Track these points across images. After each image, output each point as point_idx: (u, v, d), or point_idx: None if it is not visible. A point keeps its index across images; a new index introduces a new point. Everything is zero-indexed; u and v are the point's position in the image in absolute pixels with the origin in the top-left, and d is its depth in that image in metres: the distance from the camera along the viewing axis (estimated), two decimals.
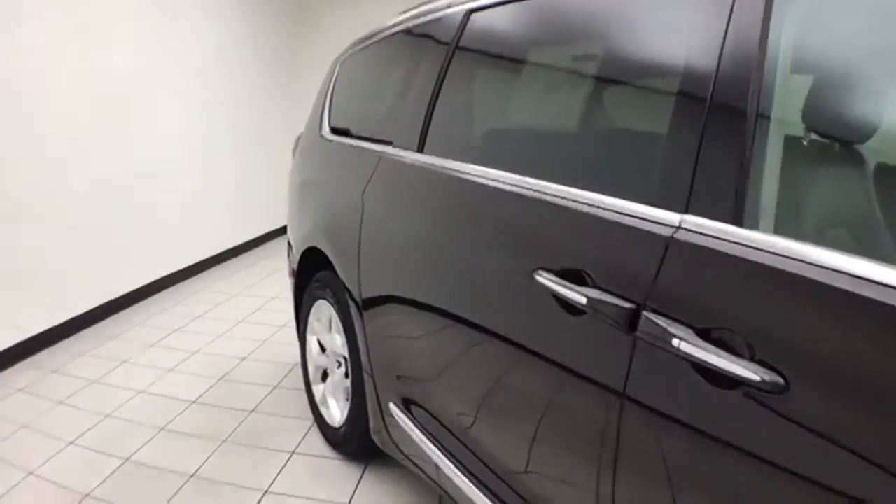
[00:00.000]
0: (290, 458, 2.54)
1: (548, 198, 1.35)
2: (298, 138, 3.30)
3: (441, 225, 1.72)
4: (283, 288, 4.93)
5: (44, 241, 3.66)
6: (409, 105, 2.04)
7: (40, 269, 3.64)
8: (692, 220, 1.01)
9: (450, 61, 1.89)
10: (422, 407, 1.88)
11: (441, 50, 1.94)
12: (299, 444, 2.65)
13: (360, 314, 2.16)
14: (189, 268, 5.20)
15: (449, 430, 1.75)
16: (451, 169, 1.73)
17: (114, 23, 4.13)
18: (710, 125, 1.02)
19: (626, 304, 1.07)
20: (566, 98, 1.68)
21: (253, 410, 2.94)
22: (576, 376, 1.22)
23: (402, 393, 1.98)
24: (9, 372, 3.39)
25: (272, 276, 5.29)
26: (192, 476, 2.40)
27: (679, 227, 1.02)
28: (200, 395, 3.09)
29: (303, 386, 3.06)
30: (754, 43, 0.98)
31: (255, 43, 6.10)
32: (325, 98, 2.99)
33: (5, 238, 3.38)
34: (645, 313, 1.03)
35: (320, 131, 2.87)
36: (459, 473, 1.67)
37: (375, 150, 2.19)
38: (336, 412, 2.58)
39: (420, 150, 1.92)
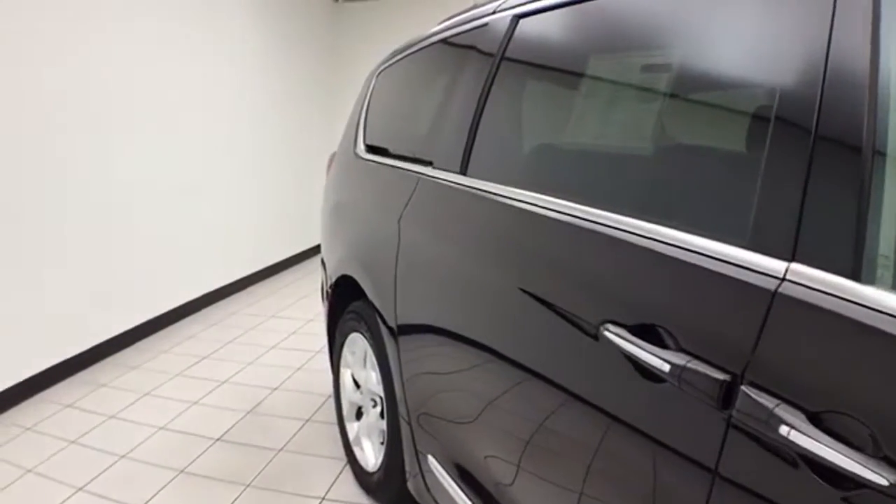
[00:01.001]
0: None
1: (616, 234, 1.13)
2: (333, 156, 3.10)
3: (488, 260, 1.49)
4: (320, 310, 4.66)
5: (63, 263, 3.43)
6: (451, 122, 1.82)
7: (58, 296, 3.40)
8: (801, 271, 0.81)
9: (496, 73, 1.67)
10: (465, 466, 1.63)
11: (486, 60, 1.72)
12: (330, 488, 2.35)
13: (398, 354, 1.93)
14: (222, 288, 4.97)
15: (495, 498, 1.49)
16: (498, 194, 1.51)
17: (152, 41, 3.96)
18: (819, 154, 0.83)
19: (720, 375, 0.86)
20: (636, 117, 1.42)
21: (282, 449, 2.65)
22: (661, 448, 0.98)
23: (443, 445, 1.73)
24: (16, 409, 3.14)
25: (308, 298, 5.03)
26: None
27: (784, 279, 0.82)
28: (226, 432, 2.81)
29: (335, 419, 2.77)
30: (863, 59, 0.82)
31: (294, 56, 5.90)
32: (361, 113, 2.80)
33: (26, 263, 3.14)
34: (743, 388, 0.83)
35: (355, 149, 2.67)
36: None
37: (414, 171, 1.98)
38: (371, 455, 2.30)
39: (463, 171, 1.70)
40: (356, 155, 2.62)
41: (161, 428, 2.85)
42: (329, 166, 3.12)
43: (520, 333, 1.34)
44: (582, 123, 1.58)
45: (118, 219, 3.82)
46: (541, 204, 1.35)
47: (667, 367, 0.93)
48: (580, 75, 1.52)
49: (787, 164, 0.87)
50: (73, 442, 2.75)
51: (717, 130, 1.16)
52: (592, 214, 1.19)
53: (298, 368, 3.56)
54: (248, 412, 3.01)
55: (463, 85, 1.81)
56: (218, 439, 2.74)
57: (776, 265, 0.83)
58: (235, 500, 2.27)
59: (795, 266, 0.81)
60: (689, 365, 0.90)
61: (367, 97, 2.79)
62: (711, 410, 0.87)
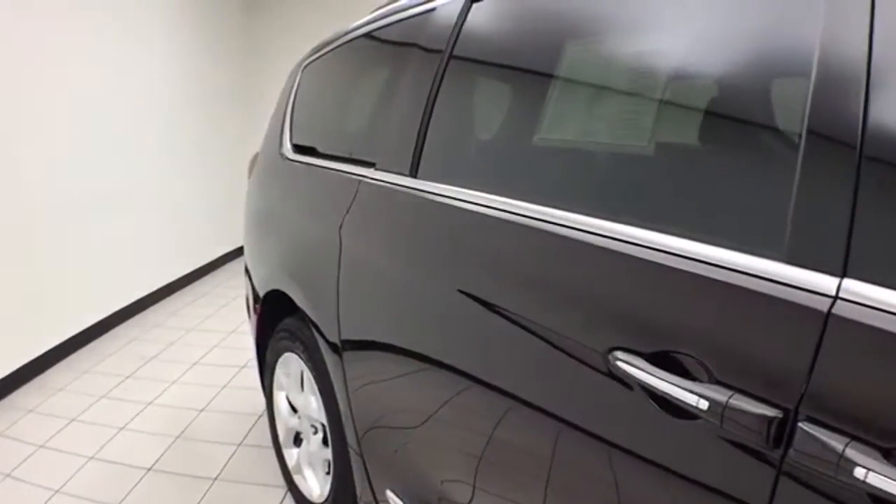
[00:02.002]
0: None
1: (618, 246, 1.01)
2: (255, 157, 3.01)
3: (452, 273, 1.35)
4: (242, 319, 4.69)
5: None
6: (396, 120, 1.70)
7: None
8: (856, 289, 0.72)
9: (447, 63, 1.55)
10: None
11: (435, 50, 1.60)
12: None
13: (344, 378, 1.83)
14: (143, 299, 4.92)
15: None
16: (461, 199, 1.37)
17: (56, 38, 3.83)
18: (871, 148, 0.74)
19: (771, 412, 0.76)
20: (628, 108, 1.27)
21: (217, 478, 2.71)
22: (698, 493, 0.88)
23: (406, 479, 1.63)
24: None
25: (229, 307, 5.03)
26: None
27: (837, 297, 0.73)
28: (157, 460, 2.85)
29: (270, 442, 2.84)
30: None
31: (209, 52, 5.80)
32: (286, 111, 2.68)
33: None
34: (801, 425, 0.73)
35: (280, 149, 2.55)
36: None
37: (354, 174, 1.84)
38: (314, 485, 2.31)
39: (413, 174, 1.57)
40: (282, 156, 2.50)
41: (91, 458, 2.87)
42: (251, 168, 3.03)
43: (493, 356, 1.23)
44: (564, 117, 1.40)
45: (17, 233, 3.72)
46: (525, 213, 1.20)
47: (704, 405, 0.81)
48: (554, 65, 1.35)
49: (830, 162, 0.78)
50: (7, 475, 2.74)
51: (736, 124, 1.02)
52: (588, 224, 1.07)
53: (224, 386, 3.60)
54: (178, 437, 3.05)
55: (409, 78, 1.68)
56: (150, 469, 2.78)
57: (826, 282, 0.74)
58: None
59: (850, 283, 0.72)
60: (731, 401, 0.79)
61: (293, 93, 2.67)
62: (759, 452, 0.77)
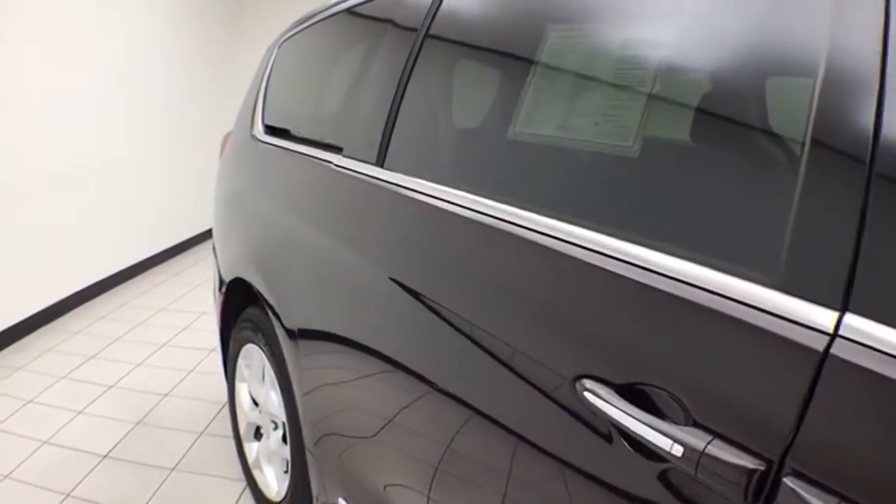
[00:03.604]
0: None
1: (589, 256, 0.90)
2: (227, 136, 2.90)
3: (414, 273, 1.28)
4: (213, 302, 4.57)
5: None
6: (365, 103, 1.61)
7: None
8: (859, 326, 0.62)
9: (422, 44, 1.45)
10: None
11: (410, 28, 1.50)
12: None
13: (301, 378, 1.75)
14: (110, 277, 4.79)
15: None
16: (426, 194, 1.27)
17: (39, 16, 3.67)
18: (883, 162, 0.63)
19: (752, 463, 0.67)
20: (612, 105, 1.14)
21: (175, 468, 2.61)
22: None
23: (356, 487, 1.55)
24: None
25: (202, 287, 4.92)
26: None
27: (837, 335, 0.63)
28: (114, 447, 2.75)
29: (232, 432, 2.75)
30: None
31: (189, 22, 5.64)
32: (259, 90, 2.57)
33: None
34: (786, 480, 0.64)
35: (252, 130, 2.45)
36: None
37: (321, 159, 1.75)
38: (273, 483, 2.23)
39: (380, 163, 1.47)
40: (253, 137, 2.40)
41: (45, 442, 2.76)
42: (223, 147, 2.92)
43: (447, 365, 1.16)
44: (544, 112, 1.28)
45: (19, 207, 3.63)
46: (492, 213, 1.10)
47: (679, 451, 0.72)
48: (532, 54, 1.26)
49: (837, 176, 0.68)
50: None
51: (730, 129, 0.91)
52: (557, 230, 0.97)
53: (191, 371, 3.50)
54: (138, 423, 2.95)
55: (380, 59, 1.60)
56: (105, 456, 2.68)
57: (824, 317, 0.64)
58: None
59: (852, 319, 0.62)
60: (708, 449, 0.70)
61: (267, 71, 2.57)
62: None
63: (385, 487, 1.41)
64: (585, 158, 1.11)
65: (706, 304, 0.74)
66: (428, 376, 1.21)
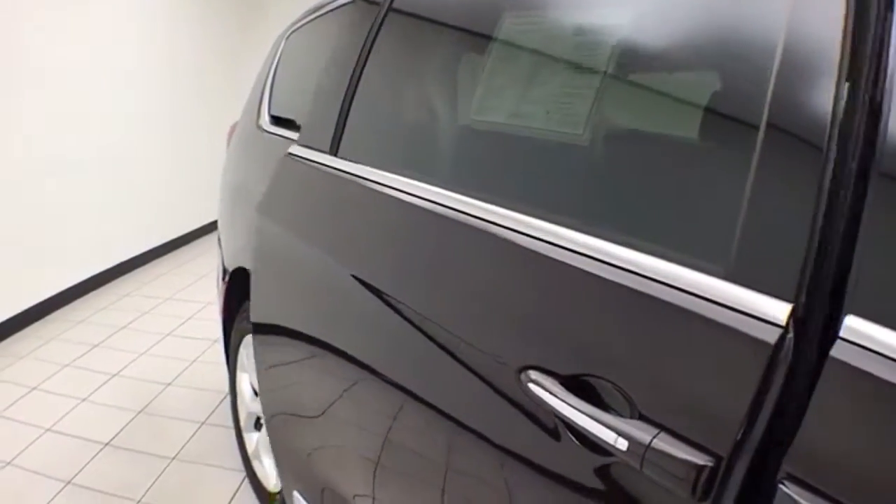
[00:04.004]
0: None
1: (535, 245, 0.88)
2: (234, 126, 2.89)
3: (361, 263, 1.26)
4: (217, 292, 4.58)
5: None
6: (324, 91, 1.59)
7: None
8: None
9: (380, 27, 1.43)
10: None
11: (369, 13, 1.48)
12: None
13: (261, 375, 1.76)
14: (118, 266, 4.81)
15: None
16: (382, 184, 1.25)
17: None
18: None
19: (699, 459, 0.65)
20: (565, 93, 1.11)
21: (175, 457, 2.62)
22: None
23: (309, 481, 1.55)
24: None
25: (207, 277, 4.92)
26: None
27: (789, 327, 0.62)
28: (115, 435, 2.75)
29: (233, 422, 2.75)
30: None
31: (195, 14, 5.63)
32: (267, 80, 2.58)
33: None
34: (784, 487, 0.60)
35: (258, 120, 2.43)
36: None
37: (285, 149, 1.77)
38: (271, 473, 2.22)
39: (334, 152, 1.46)
40: (259, 127, 2.38)
41: (48, 430, 2.77)
42: (230, 138, 2.91)
43: (395, 356, 1.15)
44: (497, 100, 1.27)
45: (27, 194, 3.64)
46: (441, 201, 1.08)
47: (623, 444, 0.70)
48: (486, 40, 1.24)
49: (793, 164, 0.66)
50: None
51: (678, 118, 0.91)
52: (504, 218, 0.95)
53: (194, 360, 3.50)
54: (140, 412, 2.96)
55: (343, 45, 1.58)
56: (107, 444, 2.68)
57: (776, 308, 0.63)
58: None
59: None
60: (654, 443, 0.68)
61: (275, 62, 2.59)
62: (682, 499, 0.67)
63: (334, 480, 1.40)
64: (535, 147, 1.09)
65: (654, 294, 0.72)
66: (375, 367, 1.20)
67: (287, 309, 1.56)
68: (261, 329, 1.71)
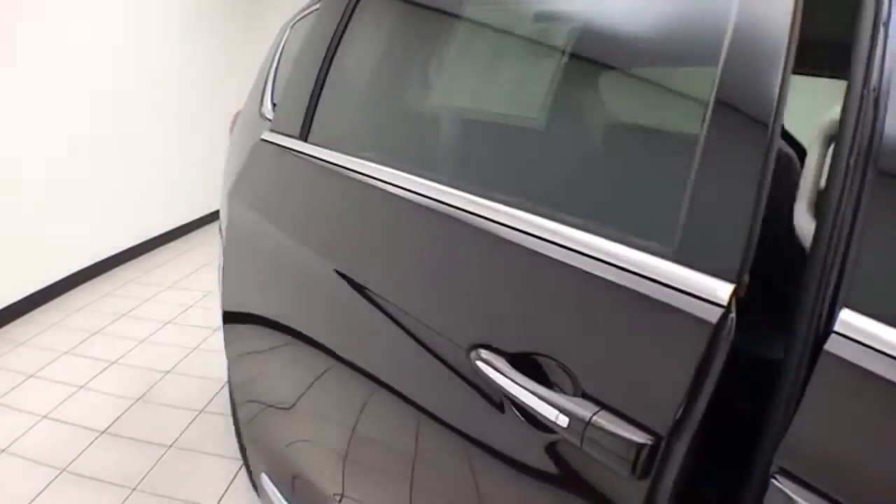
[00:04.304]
0: None
1: (487, 225, 0.89)
2: (237, 115, 2.88)
3: (329, 249, 1.26)
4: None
5: None
6: (296, 77, 1.58)
7: None
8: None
9: (351, 15, 1.43)
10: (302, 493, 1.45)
11: (341, 2, 1.47)
12: (223, 495, 2.30)
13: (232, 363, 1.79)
14: (119, 254, 4.76)
15: None
16: (346, 168, 1.26)
17: None
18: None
19: (638, 437, 0.65)
20: (532, 80, 1.17)
21: (172, 445, 2.58)
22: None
23: (279, 465, 1.56)
24: None
25: (209, 266, 4.88)
26: None
27: (730, 307, 0.63)
28: (113, 423, 2.72)
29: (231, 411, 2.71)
30: None
31: (206, 3, 5.57)
32: (270, 69, 2.57)
33: None
34: (776, 482, 0.59)
35: (261, 109, 2.43)
36: None
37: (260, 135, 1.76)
38: None
39: (304, 137, 1.46)
40: (262, 115, 2.37)
41: (44, 417, 2.74)
42: (232, 126, 2.90)
43: (360, 339, 1.15)
44: (457, 84, 1.34)
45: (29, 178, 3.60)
46: (400, 184, 1.10)
47: (564, 421, 0.71)
48: (453, 21, 1.27)
49: (734, 149, 0.68)
50: None
51: (627, 102, 0.97)
52: (468, 202, 0.95)
53: (194, 348, 3.47)
54: (138, 399, 2.92)
55: (316, 29, 1.56)
56: (104, 431, 2.65)
57: (718, 288, 0.64)
58: None
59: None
60: (594, 420, 0.69)
61: (279, 51, 2.59)
62: (624, 481, 0.68)
63: (296, 455, 1.43)
64: (488, 131, 1.14)
65: (600, 274, 0.74)
66: (339, 350, 1.21)
67: (255, 294, 1.56)
68: (230, 318, 1.71)
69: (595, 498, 0.72)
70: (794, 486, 0.57)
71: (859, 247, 0.60)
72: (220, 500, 2.26)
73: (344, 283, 1.16)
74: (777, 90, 0.65)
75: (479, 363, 0.84)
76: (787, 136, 2.48)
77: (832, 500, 0.55)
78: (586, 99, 1.02)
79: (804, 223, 0.74)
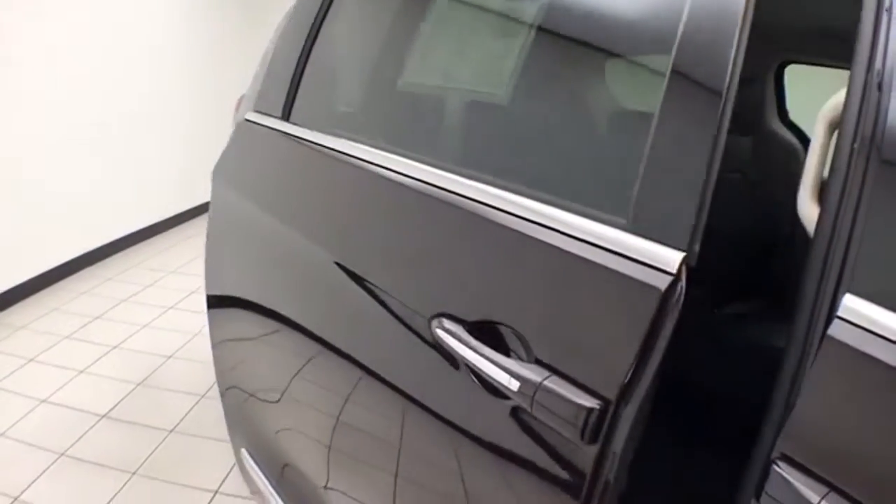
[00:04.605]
0: (211, 499, 2.17)
1: (459, 202, 0.92)
2: (241, 98, 2.82)
3: (304, 223, 1.30)
4: None
5: None
6: (279, 57, 1.60)
7: None
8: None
9: None
10: (279, 466, 1.50)
11: None
12: (224, 480, 2.27)
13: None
14: (122, 239, 4.71)
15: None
16: (322, 146, 1.30)
17: None
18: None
19: (587, 401, 0.67)
20: (481, 60, 1.28)
21: (173, 430, 2.54)
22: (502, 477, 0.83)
23: (258, 441, 1.61)
24: None
25: None
26: None
27: (679, 275, 0.65)
28: (113, 407, 2.68)
29: None
30: None
31: None
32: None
33: None
34: (777, 468, 0.58)
35: None
36: None
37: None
38: None
39: (286, 117, 1.48)
40: None
41: (43, 401, 2.70)
42: (236, 110, 2.87)
43: (335, 316, 1.18)
44: (421, 62, 1.42)
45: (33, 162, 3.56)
46: (369, 159, 1.15)
47: (515, 385, 0.73)
48: (429, 3, 1.34)
49: (689, 123, 0.71)
50: None
51: (581, 78, 1.02)
52: (434, 176, 0.99)
53: (196, 334, 3.42)
54: (139, 384, 2.88)
55: (300, 9, 1.58)
56: (104, 416, 2.61)
57: (669, 256, 0.67)
58: (119, 491, 2.17)
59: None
60: (545, 384, 0.71)
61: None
62: (572, 445, 0.70)
63: (277, 433, 1.46)
64: (453, 107, 1.21)
65: (556, 243, 0.76)
66: (313, 326, 1.23)
67: (236, 273, 1.58)
68: (214, 302, 1.74)
69: (548, 464, 0.74)
70: (795, 472, 0.57)
71: (863, 232, 0.60)
72: (220, 484, 2.22)
73: (320, 258, 1.18)
74: (728, 73, 0.67)
75: (439, 331, 0.86)
76: (793, 126, 2.45)
77: (833, 487, 0.54)
78: (548, 77, 1.06)
79: (807, 209, 0.74)
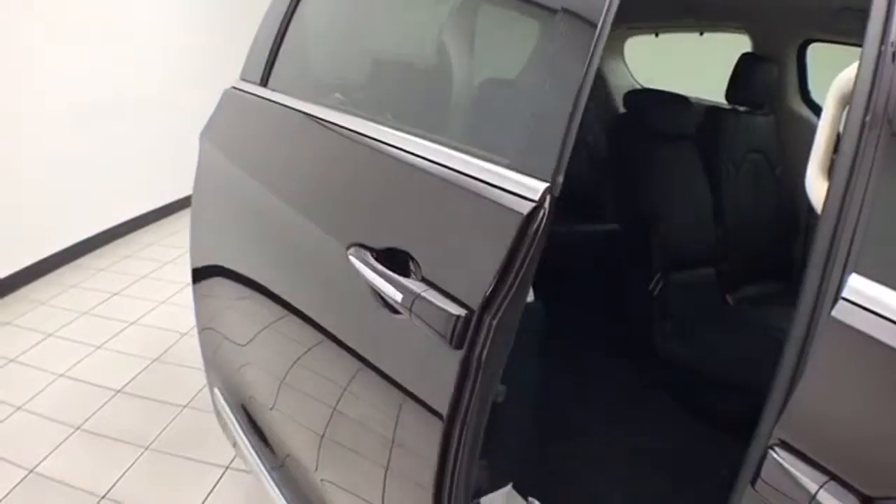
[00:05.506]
0: (222, 475, 2.20)
1: (375, 145, 1.09)
2: None
3: (278, 180, 1.42)
4: None
5: None
6: (264, 28, 1.71)
7: None
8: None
9: None
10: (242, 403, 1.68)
11: None
12: (235, 455, 2.28)
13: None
14: (140, 217, 4.76)
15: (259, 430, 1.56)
16: (286, 107, 1.45)
17: None
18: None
19: (455, 310, 0.79)
20: (426, 20, 1.49)
21: (186, 405, 2.57)
22: (396, 387, 0.94)
23: (224, 379, 1.79)
24: None
25: None
26: (102, 498, 2.04)
27: (543, 204, 0.77)
28: (128, 383, 2.72)
29: None
30: None
31: None
32: None
33: None
34: (773, 454, 0.58)
35: None
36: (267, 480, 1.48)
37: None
38: None
39: (264, 83, 1.61)
40: None
41: (61, 375, 2.75)
42: None
43: (280, 254, 1.32)
44: (370, 35, 1.61)
45: (14, 138, 3.54)
46: (316, 115, 1.31)
47: (399, 297, 0.86)
48: None
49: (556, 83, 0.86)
50: None
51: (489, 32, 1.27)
52: (357, 124, 1.16)
53: None
54: (155, 360, 2.92)
55: None
56: (119, 391, 2.65)
57: (535, 185, 0.78)
58: (133, 464, 2.20)
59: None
60: (423, 295, 0.83)
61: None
62: (443, 349, 0.80)
63: (240, 368, 1.61)
64: (380, 67, 1.41)
65: (448, 178, 0.89)
66: (272, 270, 1.36)
67: (216, 223, 1.70)
68: (199, 274, 1.92)
69: (427, 368, 0.87)
70: (791, 457, 0.56)
71: (872, 209, 0.57)
72: (232, 460, 2.25)
73: (275, 204, 1.32)
74: (592, 42, 0.77)
75: (351, 258, 0.98)
76: (811, 103, 2.40)
77: (830, 474, 0.53)
78: (454, 38, 1.23)
79: (815, 185, 0.73)
